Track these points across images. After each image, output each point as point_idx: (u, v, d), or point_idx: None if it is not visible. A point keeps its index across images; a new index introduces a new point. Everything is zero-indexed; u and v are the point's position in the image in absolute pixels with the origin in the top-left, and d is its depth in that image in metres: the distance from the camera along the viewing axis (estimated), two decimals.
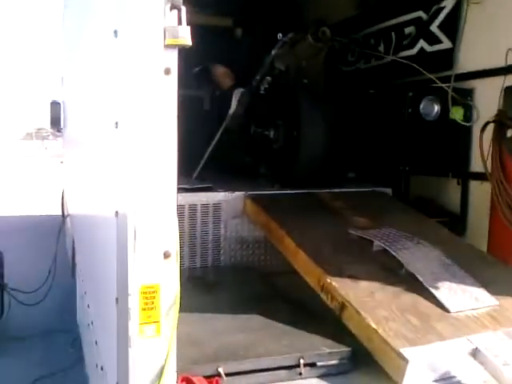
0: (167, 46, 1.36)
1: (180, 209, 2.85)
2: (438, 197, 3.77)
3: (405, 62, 3.18)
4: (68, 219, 4.65)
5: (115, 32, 1.44)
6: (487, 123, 2.91)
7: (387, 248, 2.42)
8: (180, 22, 1.36)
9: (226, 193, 2.99)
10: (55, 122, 5.89)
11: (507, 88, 2.82)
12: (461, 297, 2.10)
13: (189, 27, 1.37)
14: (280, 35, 3.38)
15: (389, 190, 3.45)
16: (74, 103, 3.71)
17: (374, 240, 2.49)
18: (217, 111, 4.07)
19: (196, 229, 2.96)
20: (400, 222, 2.91)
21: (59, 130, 6.24)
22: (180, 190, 2.83)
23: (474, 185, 3.62)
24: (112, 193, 1.54)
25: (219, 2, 4.65)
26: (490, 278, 2.30)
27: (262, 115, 3.55)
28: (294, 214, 2.82)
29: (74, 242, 3.98)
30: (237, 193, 3.01)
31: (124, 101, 1.38)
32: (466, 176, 3.63)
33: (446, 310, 2.01)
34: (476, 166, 3.58)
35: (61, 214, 5.30)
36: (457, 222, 3.64)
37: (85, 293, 2.94)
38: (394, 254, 2.36)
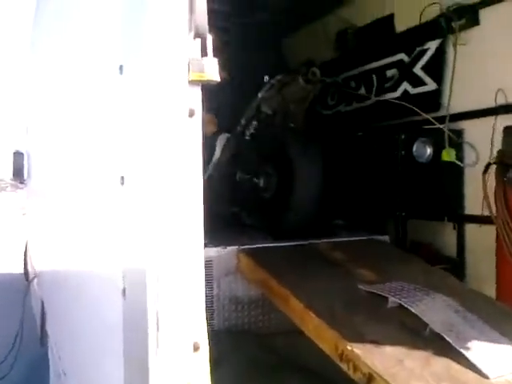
0: (191, 83, 1.14)
1: None
2: (434, 241, 3.62)
3: (399, 102, 3.07)
4: (35, 280, 4.25)
5: (120, 68, 1.22)
6: (489, 164, 2.80)
7: (404, 304, 2.21)
8: (205, 53, 1.16)
9: (218, 248, 2.74)
10: (18, 173, 5.56)
11: (506, 128, 2.73)
12: (496, 358, 1.88)
13: (216, 59, 1.16)
14: (266, 78, 3.24)
15: (386, 238, 3.27)
16: (45, 152, 3.41)
17: (387, 296, 2.27)
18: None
19: None
20: (406, 272, 2.73)
21: (22, 182, 5.90)
22: None
23: (470, 228, 3.51)
24: (115, 262, 1.27)
25: None
26: None
27: (249, 162, 3.36)
28: (294, 268, 2.59)
29: (43, 306, 3.59)
30: (229, 248, 2.76)
31: (134, 151, 1.14)
32: (461, 219, 3.51)
33: (485, 376, 1.79)
34: (471, 208, 3.48)
35: (23, 271, 4.87)
36: (455, 268, 3.48)
37: (64, 374, 2.54)
38: (412, 310, 2.15)
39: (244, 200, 3.44)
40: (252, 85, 3.36)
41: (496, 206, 2.78)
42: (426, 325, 2.07)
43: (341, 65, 4.54)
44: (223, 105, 3.59)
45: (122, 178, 1.21)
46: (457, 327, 2.06)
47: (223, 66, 3.63)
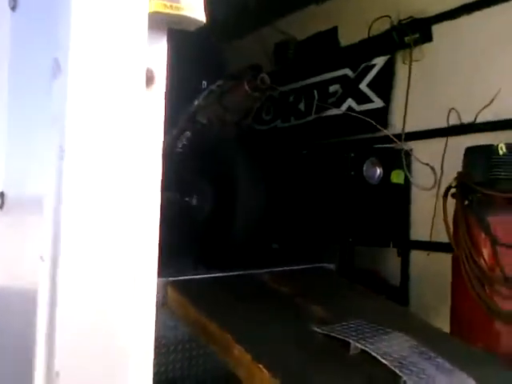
0: (155, 20, 0.71)
1: None
2: (380, 269, 3.34)
3: (360, 116, 2.77)
4: None
5: None
6: (449, 188, 2.55)
7: (369, 350, 1.85)
8: None
9: None
10: None
11: (469, 149, 2.51)
12: None
13: None
14: (205, 83, 2.82)
15: (332, 266, 2.93)
16: None
17: (349, 340, 1.90)
18: None
19: None
20: (359, 307, 2.40)
21: None
22: None
23: (416, 255, 3.27)
24: None
25: None
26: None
27: (180, 177, 2.89)
28: (235, 306, 2.15)
29: None
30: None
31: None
32: (406, 245, 3.28)
33: None
34: (416, 234, 3.26)
35: None
36: (398, 297, 3.23)
37: None
38: (382, 360, 1.79)
39: (173, 222, 2.95)
40: (185, 91, 2.92)
41: (456, 232, 2.53)
42: (394, 374, 1.72)
43: (279, 78, 4.22)
44: None
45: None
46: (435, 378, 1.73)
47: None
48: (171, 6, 0.73)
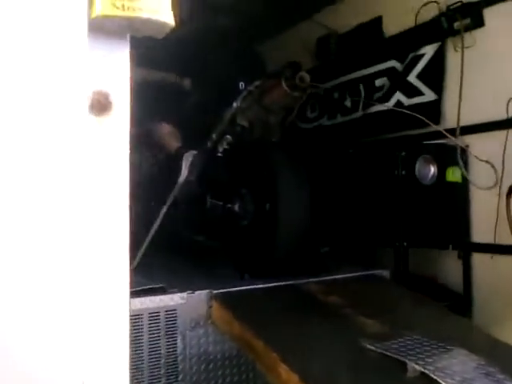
0: (99, 25, 0.57)
1: None
2: (438, 274, 3.13)
3: (407, 112, 2.57)
4: None
5: None
6: None
7: (428, 373, 1.68)
8: None
9: (184, 294, 2.16)
10: None
11: None
12: None
13: None
14: (242, 84, 2.71)
15: (386, 273, 2.76)
16: None
17: (405, 360, 1.74)
18: (161, 180, 3.28)
19: (142, 347, 2.08)
20: (417, 319, 2.22)
21: None
22: None
23: (477, 258, 3.04)
24: None
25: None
26: None
27: (222, 183, 2.80)
28: (280, 320, 2.03)
29: None
30: (198, 292, 2.18)
31: None
32: (467, 248, 3.05)
33: None
34: (478, 235, 3.02)
35: None
36: (461, 304, 3.01)
37: None
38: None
39: (215, 228, 2.87)
40: (224, 93, 2.83)
41: None
42: None
43: (322, 74, 4.06)
44: (188, 116, 3.04)
45: None
46: None
47: (182, 73, 3.08)
48: (123, 7, 0.57)
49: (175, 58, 3.72)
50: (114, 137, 0.63)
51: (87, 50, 0.59)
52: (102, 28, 0.58)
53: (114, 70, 0.61)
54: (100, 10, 0.56)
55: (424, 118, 2.43)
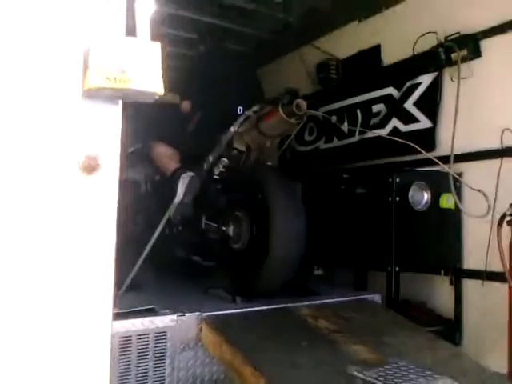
0: (90, 95, 0.62)
1: None
2: (428, 299, 3.14)
3: (399, 140, 2.61)
4: None
5: None
6: (504, 216, 2.36)
7: None
8: (134, 32, 0.64)
9: (174, 316, 2.17)
10: None
11: None
12: None
13: (158, 45, 0.64)
14: (241, 109, 2.75)
15: (377, 297, 2.77)
16: None
17: None
18: (156, 200, 3.31)
19: (130, 369, 2.08)
20: (406, 346, 2.23)
21: None
22: None
23: (468, 284, 3.05)
24: None
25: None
26: None
27: (217, 206, 2.83)
28: (270, 345, 2.04)
29: None
30: (189, 314, 2.19)
31: None
32: (459, 274, 3.06)
33: None
34: (470, 262, 3.04)
35: None
36: (451, 330, 3.01)
37: None
38: None
39: (211, 251, 2.89)
40: (222, 117, 2.87)
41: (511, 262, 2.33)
42: None
43: (321, 98, 4.12)
44: (186, 138, 3.08)
45: None
46: None
47: (183, 95, 3.13)
48: (115, 79, 0.63)
49: (178, 79, 3.78)
50: (102, 191, 0.69)
51: (80, 116, 0.64)
52: (95, 96, 0.63)
53: (105, 134, 0.67)
54: (93, 82, 0.60)
55: (416, 146, 2.47)
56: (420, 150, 2.44)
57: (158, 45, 0.66)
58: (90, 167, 0.66)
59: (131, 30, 0.66)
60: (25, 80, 0.65)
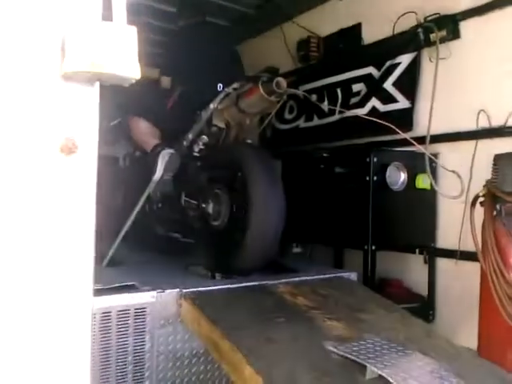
0: (69, 79, 0.64)
1: None
2: (404, 277, 3.23)
3: (375, 120, 2.63)
4: None
5: None
6: (477, 197, 2.41)
7: (386, 376, 1.75)
8: (111, 17, 0.65)
9: (154, 292, 2.19)
10: None
11: (497, 156, 2.36)
12: None
13: (134, 29, 0.65)
14: (220, 85, 2.74)
15: (354, 275, 2.83)
16: None
17: (365, 364, 1.81)
18: (136, 176, 3.29)
19: (110, 345, 2.10)
20: (381, 323, 2.29)
21: None
22: None
23: (442, 263, 3.14)
24: None
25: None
26: None
27: (197, 183, 2.83)
28: (248, 321, 2.08)
29: None
30: (168, 291, 2.22)
31: None
32: (432, 253, 3.14)
33: None
34: (444, 241, 3.12)
35: None
36: (426, 308, 3.11)
37: None
38: None
39: (189, 229, 2.90)
40: (202, 93, 2.85)
41: (484, 242, 2.39)
42: None
43: (302, 76, 4.12)
44: (165, 115, 3.05)
45: None
46: None
47: (163, 70, 3.08)
48: (92, 64, 0.64)
49: (157, 54, 3.73)
50: (81, 172, 0.71)
51: (58, 99, 0.65)
52: (72, 79, 0.64)
53: (83, 116, 0.69)
54: (69, 67, 0.62)
55: (392, 126, 2.50)
56: (396, 129, 2.48)
57: (134, 29, 0.67)
58: (69, 149, 0.68)
59: (107, 15, 0.67)
60: (5, 65, 0.65)
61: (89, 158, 0.73)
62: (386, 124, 2.49)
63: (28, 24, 0.66)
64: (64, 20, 0.66)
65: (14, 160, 0.69)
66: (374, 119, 2.63)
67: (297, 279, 2.61)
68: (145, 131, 3.08)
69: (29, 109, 0.67)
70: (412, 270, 3.23)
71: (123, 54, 0.66)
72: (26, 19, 0.65)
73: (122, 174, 3.62)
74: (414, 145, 2.89)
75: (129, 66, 0.67)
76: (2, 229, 0.72)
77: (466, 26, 2.96)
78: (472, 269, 2.75)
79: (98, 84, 0.71)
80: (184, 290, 2.23)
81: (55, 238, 0.77)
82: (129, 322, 2.13)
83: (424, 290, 3.15)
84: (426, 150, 2.67)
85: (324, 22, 4.03)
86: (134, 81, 0.69)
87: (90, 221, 0.76)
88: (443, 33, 2.95)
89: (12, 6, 0.64)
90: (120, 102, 3.22)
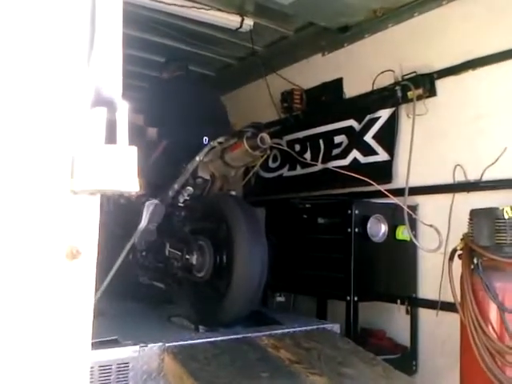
0: (76, 195, 0.71)
1: None
2: (387, 327, 3.24)
3: (351, 174, 2.74)
4: None
5: None
6: (455, 250, 2.48)
7: None
8: (114, 139, 0.72)
9: (137, 346, 2.18)
10: None
11: (473, 211, 2.44)
12: None
13: (135, 149, 0.72)
14: (206, 139, 2.81)
15: (337, 327, 2.85)
16: None
17: None
18: (120, 225, 3.30)
19: None
20: (362, 377, 2.30)
21: None
22: None
23: (423, 314, 3.18)
24: None
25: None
26: None
27: (181, 234, 2.86)
28: (232, 377, 2.07)
29: None
30: (151, 345, 2.21)
31: None
32: (414, 303, 3.18)
33: None
34: (425, 292, 3.16)
35: None
36: (409, 358, 3.12)
37: None
38: None
39: (173, 279, 2.90)
40: (187, 146, 2.92)
41: (462, 295, 2.45)
42: None
43: (286, 126, 4.24)
44: (150, 167, 3.10)
45: None
46: None
47: (151, 121, 3.15)
48: (97, 183, 0.73)
49: (144, 103, 3.81)
50: (82, 275, 0.76)
51: (66, 210, 0.72)
52: (78, 193, 0.71)
53: (86, 225, 0.75)
54: (77, 185, 0.70)
55: (367, 179, 2.62)
56: (372, 182, 2.57)
57: (134, 149, 0.75)
58: (73, 255, 0.74)
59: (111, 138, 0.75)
60: (22, 181, 0.73)
61: (89, 262, 0.78)
62: (362, 178, 2.59)
63: (42, 145, 0.74)
64: (74, 142, 0.73)
65: (26, 262, 0.75)
66: (347, 173, 2.75)
67: (279, 331, 2.62)
68: None
69: (41, 219, 0.74)
70: (394, 320, 3.25)
71: (124, 173, 0.73)
72: (40, 141, 0.74)
73: (105, 219, 3.62)
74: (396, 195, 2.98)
75: (129, 183, 0.74)
76: (13, 326, 0.76)
77: (441, 85, 3.11)
78: (453, 319, 2.79)
79: (99, 195, 0.77)
80: (167, 344, 2.23)
81: (56, 332, 0.81)
82: (111, 377, 2.11)
83: (407, 341, 3.17)
84: (405, 201, 2.76)
85: (307, 76, 4.18)
86: (134, 193, 0.76)
87: (88, 317, 0.81)
88: (420, 91, 3.09)
89: (27, 129, 0.72)
90: None
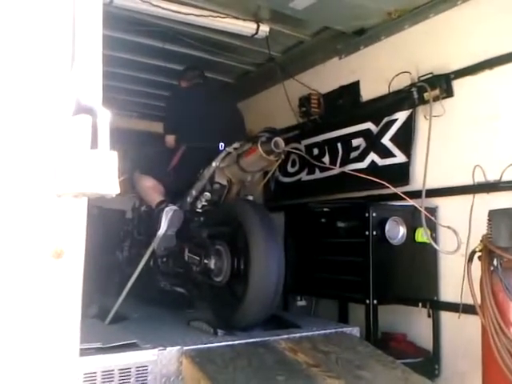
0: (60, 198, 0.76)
1: (89, 378, 2.04)
2: (408, 331, 3.21)
3: (368, 178, 2.74)
4: None
5: None
6: (474, 252, 2.45)
7: None
8: (96, 144, 0.75)
9: (155, 350, 2.22)
10: None
11: (492, 212, 2.41)
12: None
13: (115, 154, 0.76)
14: (222, 145, 2.85)
15: (356, 330, 2.84)
16: None
17: None
18: (141, 232, 3.38)
19: None
20: (380, 379, 2.29)
21: None
22: (88, 351, 2.07)
23: (445, 317, 3.13)
24: None
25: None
26: None
27: (199, 239, 2.90)
28: (249, 381, 2.09)
29: None
30: (170, 348, 2.24)
31: None
32: (435, 306, 3.14)
33: None
34: (446, 294, 3.12)
35: None
36: (431, 362, 3.08)
37: None
38: None
39: (192, 284, 2.94)
40: (204, 152, 2.97)
41: (482, 297, 2.41)
42: None
43: (304, 131, 4.26)
44: (168, 174, 3.16)
45: None
46: None
47: (170, 129, 3.22)
48: (79, 187, 0.79)
49: (163, 111, 3.89)
50: (67, 273, 0.80)
51: (51, 212, 0.77)
52: (63, 196, 0.76)
53: (71, 226, 0.80)
54: (60, 189, 0.74)
55: (384, 182, 2.61)
56: (388, 185, 2.57)
57: (115, 153, 0.80)
58: (57, 254, 0.79)
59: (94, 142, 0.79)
60: (9, 186, 0.78)
61: (74, 261, 0.83)
62: (379, 181, 2.58)
63: (28, 151, 0.80)
64: (57, 148, 0.78)
65: (14, 261, 0.79)
66: (365, 176, 2.73)
67: (298, 335, 2.62)
68: (150, 188, 3.18)
69: (27, 220, 0.79)
70: (416, 323, 3.22)
71: (105, 176, 0.78)
72: (25, 147, 0.80)
73: (128, 227, 3.71)
74: (411, 198, 2.96)
75: (110, 186, 0.79)
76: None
77: (458, 85, 3.08)
78: (475, 322, 2.75)
79: (85, 198, 0.82)
80: (185, 348, 2.26)
81: (44, 331, 0.85)
82: (130, 380, 2.15)
83: (429, 344, 3.13)
84: (422, 203, 2.73)
85: (324, 80, 4.19)
86: (114, 195, 0.80)
87: (75, 315, 0.85)
88: (436, 92, 3.06)
89: (13, 134, 0.78)
90: (132, 158, 3.35)
